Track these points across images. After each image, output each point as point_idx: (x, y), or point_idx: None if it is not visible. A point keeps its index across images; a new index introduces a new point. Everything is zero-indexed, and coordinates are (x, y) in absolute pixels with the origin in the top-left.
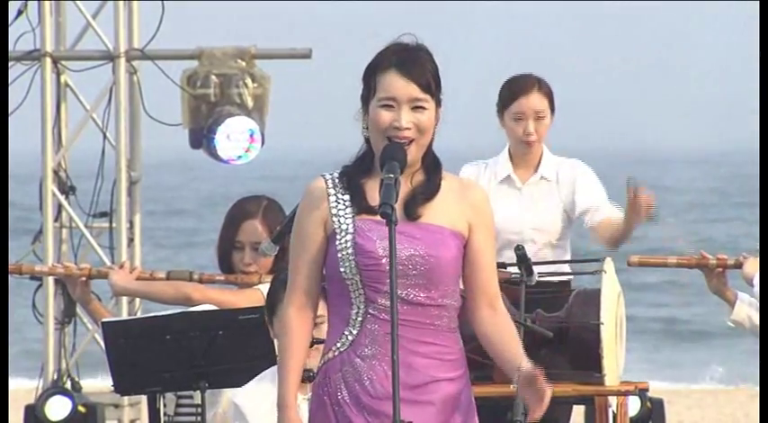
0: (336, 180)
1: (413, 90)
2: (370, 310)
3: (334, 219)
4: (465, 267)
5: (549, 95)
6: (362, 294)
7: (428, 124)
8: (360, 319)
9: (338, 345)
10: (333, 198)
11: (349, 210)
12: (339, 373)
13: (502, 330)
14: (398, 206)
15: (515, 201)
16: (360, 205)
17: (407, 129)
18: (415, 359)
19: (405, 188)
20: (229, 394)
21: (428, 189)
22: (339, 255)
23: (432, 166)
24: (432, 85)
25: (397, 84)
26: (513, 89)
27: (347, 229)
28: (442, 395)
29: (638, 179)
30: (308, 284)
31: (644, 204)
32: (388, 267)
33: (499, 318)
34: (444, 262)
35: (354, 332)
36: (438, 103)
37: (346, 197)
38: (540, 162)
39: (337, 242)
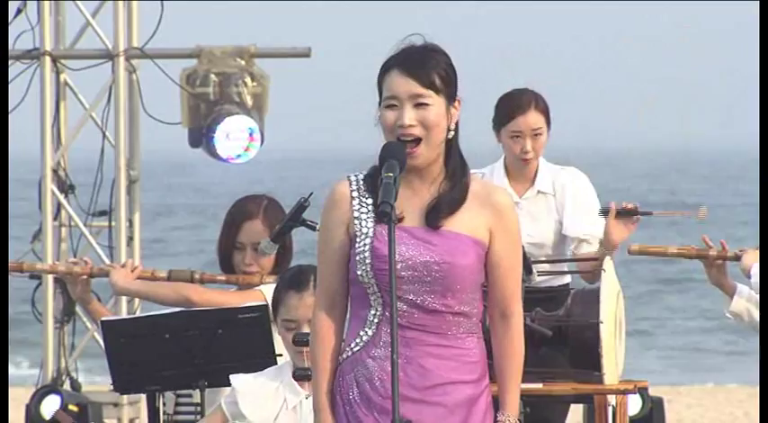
0: (361, 182)
1: (412, 86)
2: (387, 313)
3: (356, 222)
4: (486, 273)
5: (546, 112)
6: (380, 298)
7: (434, 120)
8: (376, 321)
9: (352, 345)
10: (356, 201)
11: (371, 214)
12: (352, 374)
13: (504, 354)
14: (420, 212)
15: None
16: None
17: (411, 126)
18: (430, 361)
19: (429, 194)
20: (228, 390)
21: (453, 200)
22: (357, 258)
23: (458, 171)
24: (435, 81)
25: (397, 81)
26: (511, 107)
27: (367, 232)
28: (456, 398)
29: (609, 204)
30: (335, 286)
31: (631, 209)
32: (403, 273)
33: (507, 336)
34: (460, 269)
35: (370, 334)
36: (450, 101)
37: (370, 201)
38: (536, 175)
39: (356, 246)
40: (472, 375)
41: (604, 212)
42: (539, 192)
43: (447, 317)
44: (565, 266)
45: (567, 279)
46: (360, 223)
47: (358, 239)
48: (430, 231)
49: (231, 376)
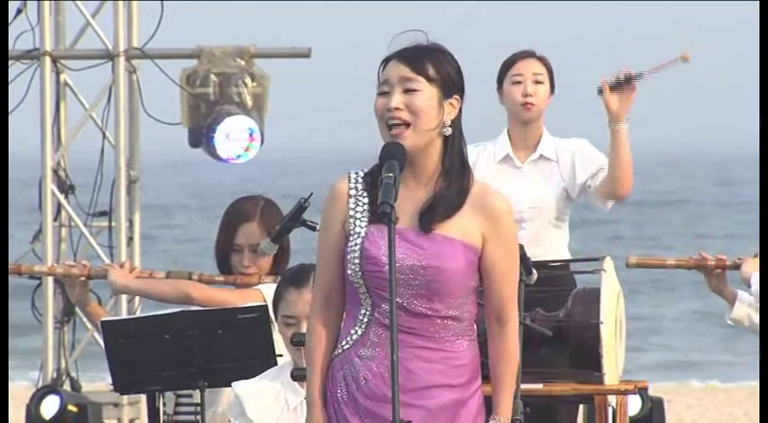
0: (360, 180)
1: (403, 70)
2: (376, 314)
3: (351, 220)
4: (480, 278)
5: (549, 67)
6: (369, 298)
7: (420, 106)
8: (366, 320)
9: (343, 343)
10: (352, 200)
11: (366, 213)
12: (341, 372)
13: (499, 359)
14: (414, 213)
15: (515, 180)
16: (375, 212)
17: (398, 109)
18: (416, 363)
19: (424, 194)
20: (230, 391)
21: (449, 203)
22: (348, 257)
23: (455, 170)
24: (428, 69)
25: (391, 68)
26: (513, 56)
27: (360, 232)
28: (440, 402)
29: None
30: (331, 283)
31: (624, 77)
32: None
33: (503, 342)
34: (449, 273)
35: (359, 332)
36: (446, 95)
37: (366, 199)
38: (539, 142)
39: (348, 244)
40: (460, 379)
41: (600, 91)
42: (541, 156)
43: (435, 320)
44: (565, 245)
45: (566, 253)
46: (354, 222)
47: (351, 238)
48: (421, 234)
49: (234, 384)
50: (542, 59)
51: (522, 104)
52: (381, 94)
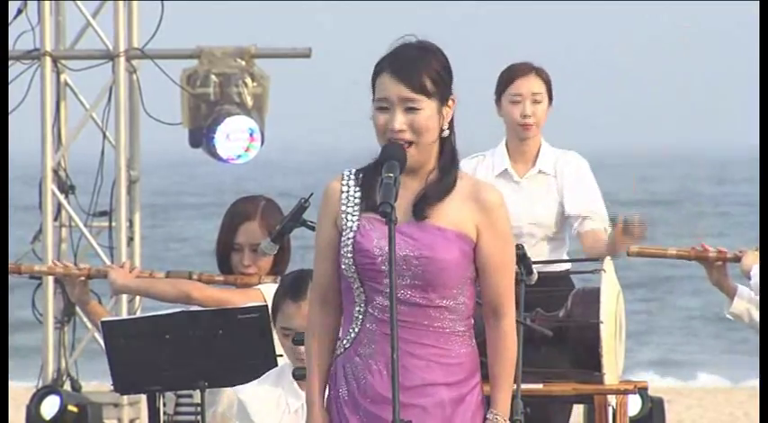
0: (352, 177)
1: (402, 91)
2: (369, 309)
3: (343, 216)
4: (477, 272)
5: (547, 82)
6: (363, 293)
7: (424, 125)
8: (361, 317)
9: (344, 342)
10: (344, 195)
11: (358, 207)
12: (342, 371)
13: (495, 354)
14: (408, 205)
15: (513, 195)
16: (366, 203)
17: (401, 130)
18: (411, 361)
19: (417, 187)
20: (230, 391)
21: (438, 190)
22: (342, 252)
23: (447, 165)
24: (426, 84)
25: (388, 85)
26: (511, 72)
27: (352, 226)
28: (436, 400)
29: (624, 215)
30: (328, 282)
31: (637, 231)
32: (383, 267)
33: (500, 337)
34: (442, 263)
35: (356, 330)
36: (443, 101)
37: (358, 195)
38: (537, 155)
39: (342, 240)
40: (455, 377)
41: (613, 224)
42: (540, 171)
43: (429, 311)
44: (565, 253)
45: (567, 264)
46: (346, 217)
47: (343, 234)
48: (413, 226)
49: (236, 389)
50: (541, 74)
51: (521, 125)
52: (380, 109)
